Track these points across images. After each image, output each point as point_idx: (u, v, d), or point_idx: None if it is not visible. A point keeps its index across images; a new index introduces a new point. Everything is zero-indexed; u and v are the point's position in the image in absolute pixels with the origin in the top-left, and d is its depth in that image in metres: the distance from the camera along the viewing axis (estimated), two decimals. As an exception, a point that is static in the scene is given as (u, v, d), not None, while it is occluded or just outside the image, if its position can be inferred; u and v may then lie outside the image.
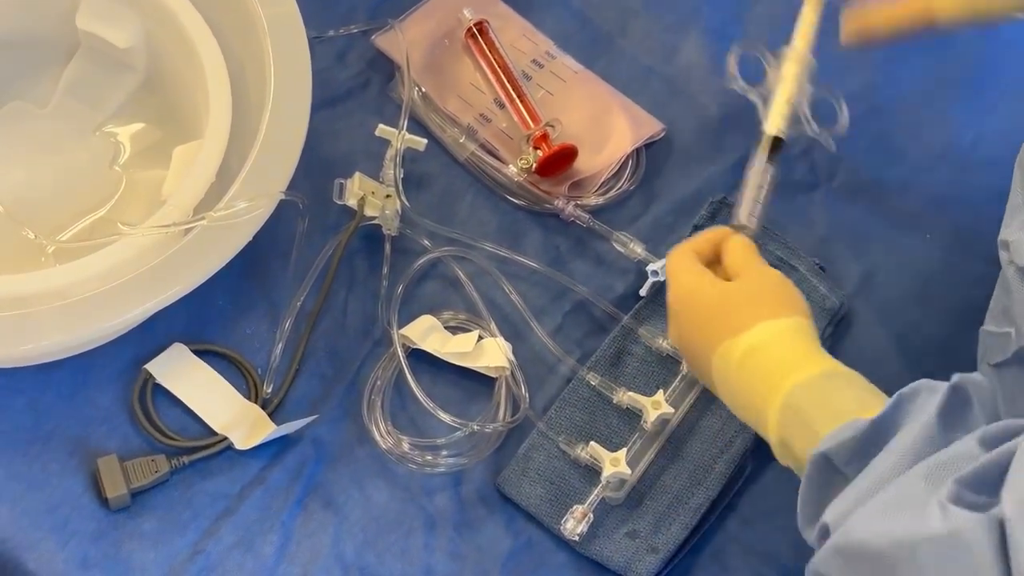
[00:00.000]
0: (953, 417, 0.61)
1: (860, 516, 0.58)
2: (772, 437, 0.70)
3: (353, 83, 1.05)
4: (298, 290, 0.92)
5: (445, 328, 0.93)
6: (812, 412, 0.67)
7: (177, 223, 0.83)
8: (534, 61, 1.05)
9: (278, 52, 0.90)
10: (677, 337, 0.80)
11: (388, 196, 0.95)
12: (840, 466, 0.62)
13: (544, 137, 1.00)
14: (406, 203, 0.95)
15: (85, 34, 0.97)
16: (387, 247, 0.96)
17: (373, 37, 1.05)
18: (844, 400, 0.67)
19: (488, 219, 1.00)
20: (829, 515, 0.60)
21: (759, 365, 0.72)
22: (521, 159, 1.00)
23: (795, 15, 0.94)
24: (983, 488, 0.55)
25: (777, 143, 0.90)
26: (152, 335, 0.90)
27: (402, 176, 0.95)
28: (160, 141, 0.99)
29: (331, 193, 0.95)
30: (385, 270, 0.95)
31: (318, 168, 0.95)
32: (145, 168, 0.98)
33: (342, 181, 0.95)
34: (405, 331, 0.92)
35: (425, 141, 0.97)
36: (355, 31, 1.06)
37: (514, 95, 1.02)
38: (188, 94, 0.95)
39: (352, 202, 0.95)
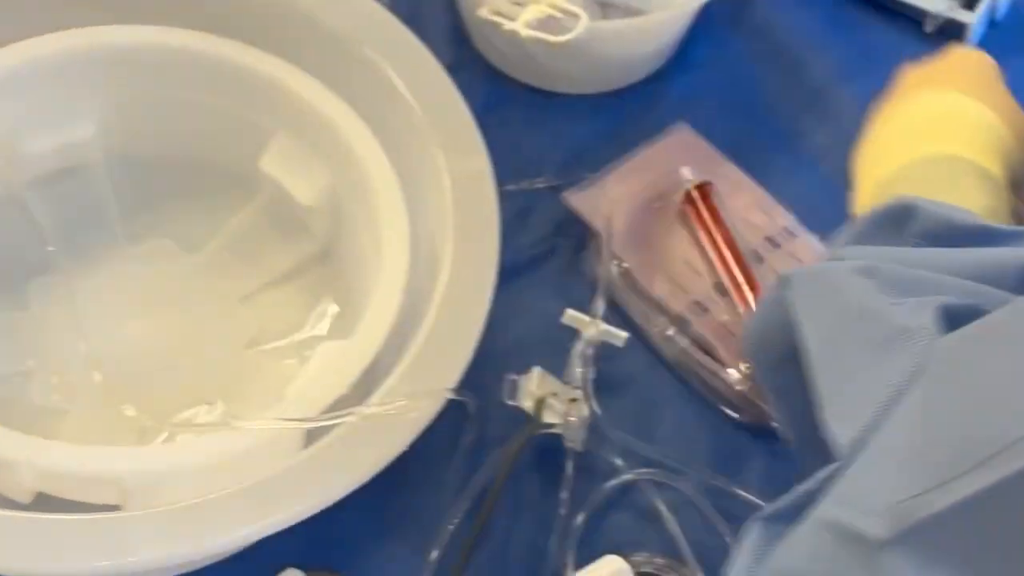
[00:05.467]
0: None
1: None
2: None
3: (535, 251, 0.95)
4: (450, 512, 0.81)
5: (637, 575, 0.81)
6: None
7: (318, 418, 0.75)
8: (769, 239, 0.93)
9: (462, 218, 0.83)
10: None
11: (573, 400, 0.85)
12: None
13: (778, 336, 0.85)
14: (596, 410, 0.84)
15: (267, 181, 0.92)
16: (569, 465, 0.84)
17: (564, 193, 0.94)
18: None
19: (700, 437, 0.88)
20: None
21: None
22: (746, 362, 0.86)
23: None
24: None
25: None
26: (259, 554, 0.78)
27: (593, 376, 0.85)
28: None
29: (500, 392, 0.85)
30: (564, 494, 0.83)
31: (484, 357, 0.83)
32: (281, 357, 0.91)
33: (515, 378, 0.85)
34: (583, 575, 0.79)
35: (625, 335, 0.86)
36: (542, 186, 0.96)
37: (741, 280, 0.90)
38: (361, 274, 0.87)
39: (527, 405, 0.84)
